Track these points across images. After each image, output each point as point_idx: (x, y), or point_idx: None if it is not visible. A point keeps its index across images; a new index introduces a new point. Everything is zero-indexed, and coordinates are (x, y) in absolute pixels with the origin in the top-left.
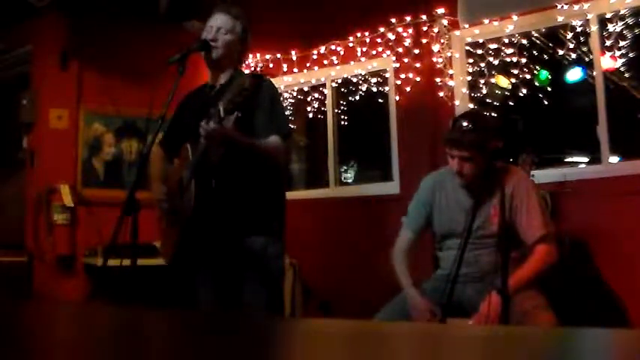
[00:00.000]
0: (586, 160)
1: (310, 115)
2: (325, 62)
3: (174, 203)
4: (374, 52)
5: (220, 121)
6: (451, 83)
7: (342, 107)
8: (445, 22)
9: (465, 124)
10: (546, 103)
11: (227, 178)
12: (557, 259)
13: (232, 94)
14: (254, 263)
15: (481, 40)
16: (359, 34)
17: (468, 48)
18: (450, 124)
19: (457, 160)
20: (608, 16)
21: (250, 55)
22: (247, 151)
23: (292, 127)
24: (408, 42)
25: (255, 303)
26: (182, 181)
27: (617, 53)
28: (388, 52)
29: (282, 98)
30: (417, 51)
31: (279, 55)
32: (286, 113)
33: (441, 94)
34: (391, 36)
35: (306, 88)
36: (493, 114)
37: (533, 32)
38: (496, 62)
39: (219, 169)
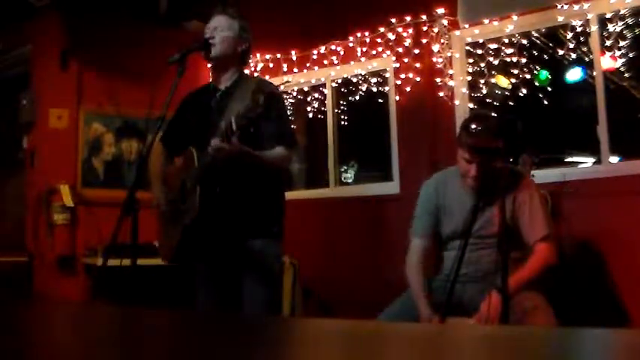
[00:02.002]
0: (587, 160)
1: (310, 115)
2: (325, 62)
3: (174, 204)
4: (374, 52)
5: (232, 135)
6: (451, 83)
7: (342, 107)
8: (445, 22)
9: (486, 129)
10: (546, 103)
11: (231, 185)
12: (557, 259)
13: (245, 109)
14: (253, 264)
15: (481, 40)
16: (359, 34)
17: (468, 48)
18: (464, 127)
19: (476, 165)
20: (608, 16)
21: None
22: (254, 165)
23: (294, 126)
24: (408, 42)
25: (254, 302)
26: (184, 184)
27: (617, 53)
28: (388, 52)
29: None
30: (417, 51)
31: (279, 55)
32: (290, 120)
33: (441, 94)
34: (391, 36)
35: (306, 88)
36: (493, 114)
37: (533, 32)
38: (496, 62)
39: (223, 176)
